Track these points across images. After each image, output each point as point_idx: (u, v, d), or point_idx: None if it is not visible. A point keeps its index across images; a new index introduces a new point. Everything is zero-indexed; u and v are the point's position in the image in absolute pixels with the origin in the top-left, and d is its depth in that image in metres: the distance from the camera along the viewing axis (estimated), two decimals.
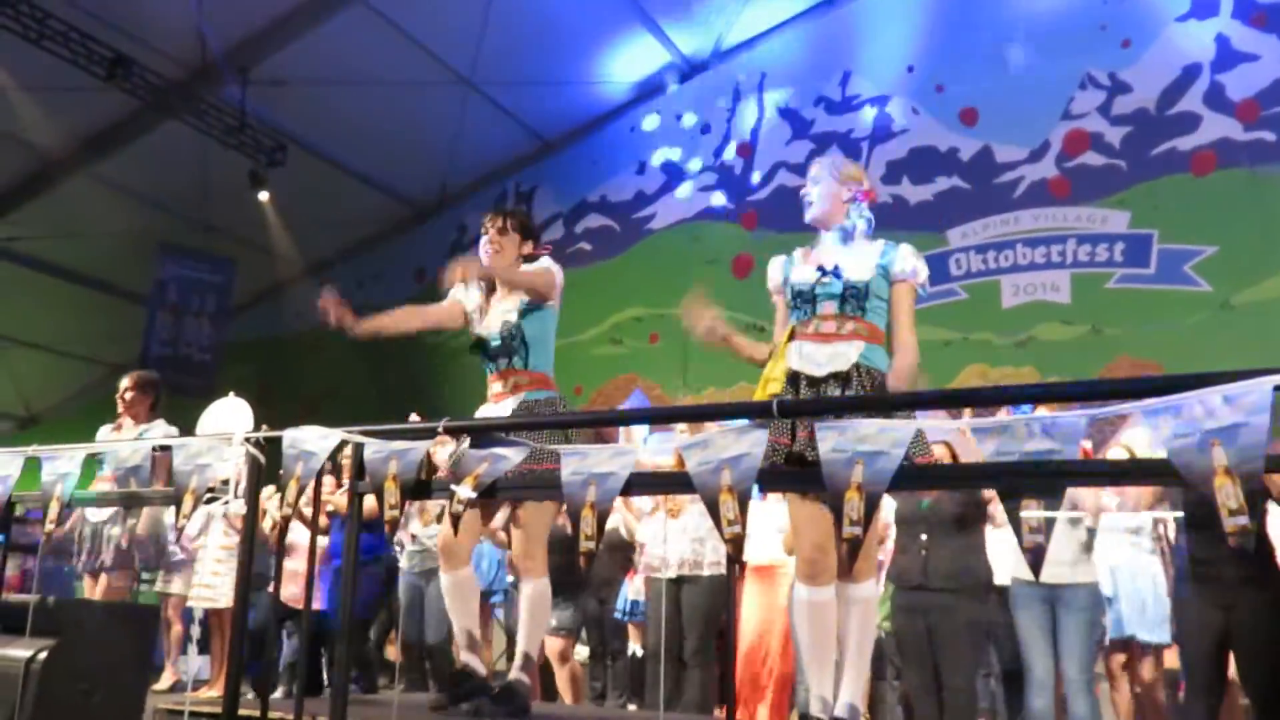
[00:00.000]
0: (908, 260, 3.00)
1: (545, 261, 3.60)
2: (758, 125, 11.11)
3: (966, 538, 4.08)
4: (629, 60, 11.24)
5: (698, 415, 2.78)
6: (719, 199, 10.99)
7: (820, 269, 2.89)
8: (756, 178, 10.94)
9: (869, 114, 10.64)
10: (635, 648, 6.12)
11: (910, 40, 10.61)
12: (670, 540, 5.02)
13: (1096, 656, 4.59)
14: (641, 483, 2.59)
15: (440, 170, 11.73)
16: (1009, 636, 4.70)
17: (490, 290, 3.60)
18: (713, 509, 2.37)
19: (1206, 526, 3.33)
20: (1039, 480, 2.10)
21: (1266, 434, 1.92)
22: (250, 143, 10.47)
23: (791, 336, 2.88)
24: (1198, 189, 9.16)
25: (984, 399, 2.43)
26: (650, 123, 11.60)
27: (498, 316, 3.49)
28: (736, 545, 2.33)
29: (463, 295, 3.63)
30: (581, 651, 6.40)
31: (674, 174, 11.36)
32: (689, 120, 11.44)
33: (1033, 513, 1.88)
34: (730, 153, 11.15)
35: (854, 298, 2.86)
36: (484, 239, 3.61)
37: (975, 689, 4.24)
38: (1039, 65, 9.86)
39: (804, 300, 2.93)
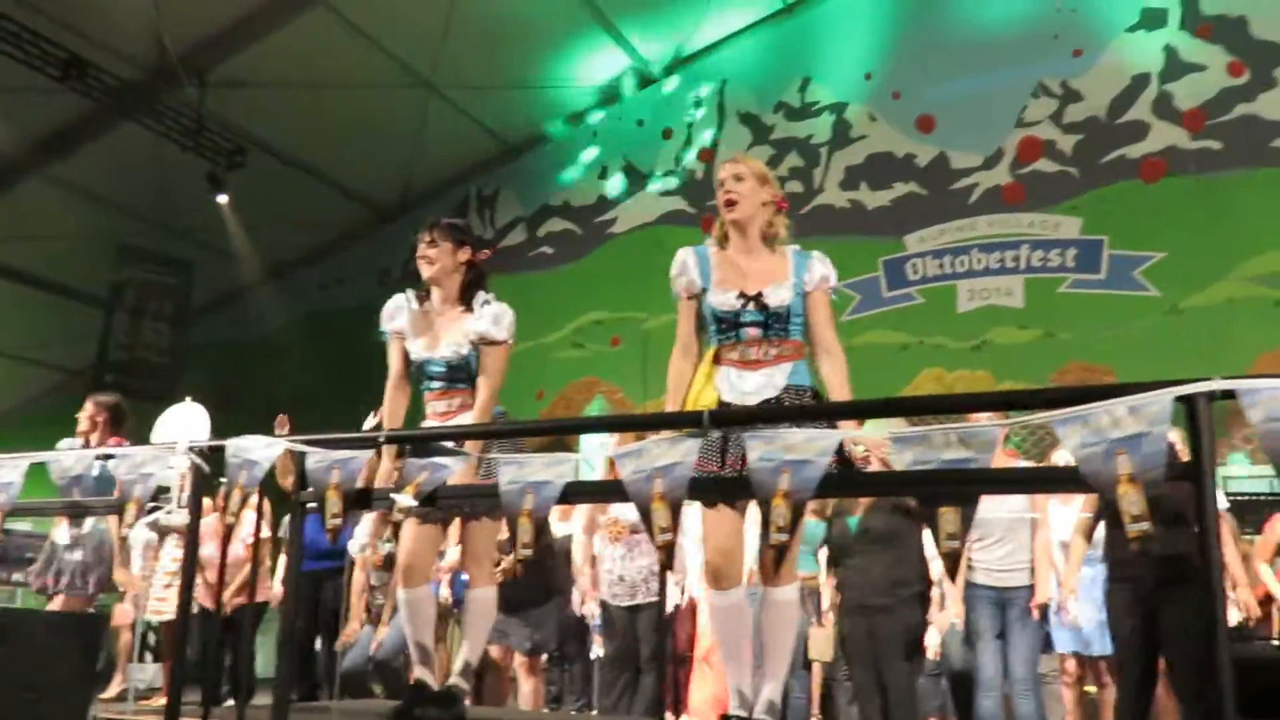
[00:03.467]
0: (818, 269, 3.04)
1: (498, 324, 3.40)
2: (719, 131, 11.19)
3: (898, 550, 4.17)
4: (591, 65, 11.29)
5: (626, 425, 2.82)
6: (680, 204, 11.06)
7: (742, 296, 2.91)
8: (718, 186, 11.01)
9: (828, 120, 10.75)
10: (597, 649, 6.16)
11: (869, 48, 10.73)
12: (626, 567, 5.07)
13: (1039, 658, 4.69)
14: (578, 491, 2.63)
15: (402, 173, 11.71)
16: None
17: (424, 297, 3.52)
18: (645, 516, 2.43)
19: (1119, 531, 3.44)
20: (955, 487, 2.17)
21: (1167, 443, 2.00)
22: (209, 145, 10.41)
23: (716, 359, 2.90)
24: (1147, 196, 9.35)
25: (905, 409, 2.50)
26: (613, 127, 11.65)
27: (447, 344, 3.40)
28: (667, 552, 2.39)
29: (399, 325, 3.49)
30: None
31: (636, 179, 11.43)
32: (651, 125, 11.50)
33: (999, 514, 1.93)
34: (692, 158, 11.23)
35: (778, 321, 2.89)
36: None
37: (915, 689, 4.34)
38: (994, 74, 10.02)
39: (727, 325, 2.95)
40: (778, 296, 2.91)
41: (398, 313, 3.51)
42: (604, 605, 5.28)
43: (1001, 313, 9.66)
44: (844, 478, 2.34)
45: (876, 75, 10.62)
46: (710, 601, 2.79)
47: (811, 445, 2.32)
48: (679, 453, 2.46)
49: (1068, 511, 4.70)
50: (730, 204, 3.05)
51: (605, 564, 5.27)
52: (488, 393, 3.31)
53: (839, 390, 2.85)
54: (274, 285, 12.23)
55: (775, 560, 2.44)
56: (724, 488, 2.61)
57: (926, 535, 4.49)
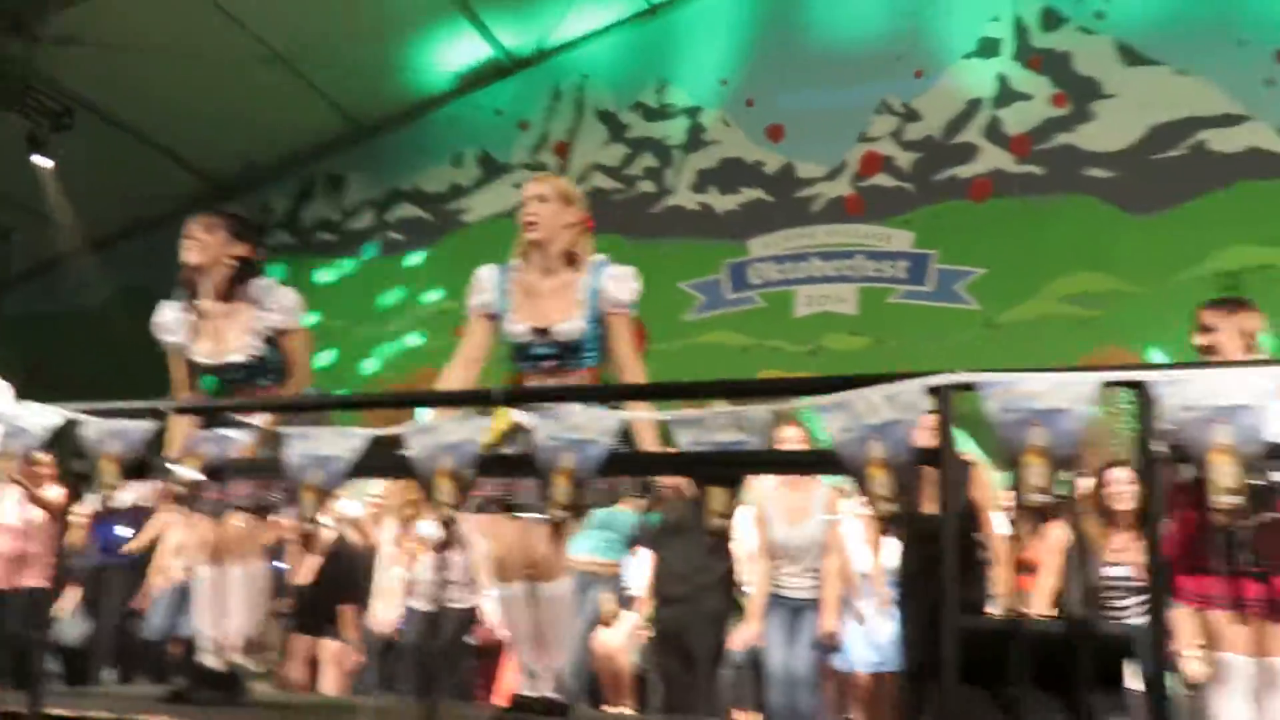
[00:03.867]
0: (612, 293, 3.04)
1: (288, 312, 3.25)
2: (575, 126, 11.22)
3: (697, 538, 4.30)
4: (452, 51, 11.14)
5: (416, 402, 2.82)
6: None
7: (534, 329, 2.95)
8: (572, 177, 11.04)
9: (683, 123, 10.93)
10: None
11: (726, 54, 10.96)
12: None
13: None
14: (369, 466, 2.62)
15: (244, 148, 11.27)
16: None
17: (191, 299, 3.30)
18: (429, 491, 2.44)
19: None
20: (726, 469, 2.26)
21: (914, 429, 2.14)
22: (34, 105, 9.77)
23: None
24: (973, 214, 9.88)
25: (687, 393, 2.59)
26: (468, 116, 11.53)
27: (234, 342, 3.22)
28: (449, 527, 2.40)
29: (176, 337, 3.30)
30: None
31: (490, 168, 11.34)
32: (509, 116, 11.43)
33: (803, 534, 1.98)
34: (547, 151, 11.22)
35: (570, 353, 2.93)
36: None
37: (717, 677, 4.48)
38: (842, 89, 10.39)
39: (521, 355, 2.98)
40: (568, 330, 2.95)
41: (173, 324, 3.32)
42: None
43: (836, 319, 10.03)
44: (624, 458, 2.40)
45: (732, 82, 10.86)
46: (498, 595, 2.82)
47: (596, 425, 2.37)
48: (468, 430, 2.48)
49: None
50: (530, 225, 3.06)
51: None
52: (302, 384, 3.23)
53: (638, 409, 2.83)
54: (96, 256, 11.58)
55: (553, 538, 2.49)
56: (514, 469, 2.64)
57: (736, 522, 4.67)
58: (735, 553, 4.66)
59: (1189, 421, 1.97)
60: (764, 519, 4.67)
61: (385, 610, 5.56)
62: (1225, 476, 1.92)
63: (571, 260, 3.08)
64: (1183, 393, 1.99)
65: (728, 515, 2.24)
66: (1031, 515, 5.48)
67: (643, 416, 2.51)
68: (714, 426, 2.28)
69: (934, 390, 2.15)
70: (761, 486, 4.93)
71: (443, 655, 5.12)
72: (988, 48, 10.16)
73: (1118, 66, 9.70)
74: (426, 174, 11.52)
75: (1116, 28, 9.75)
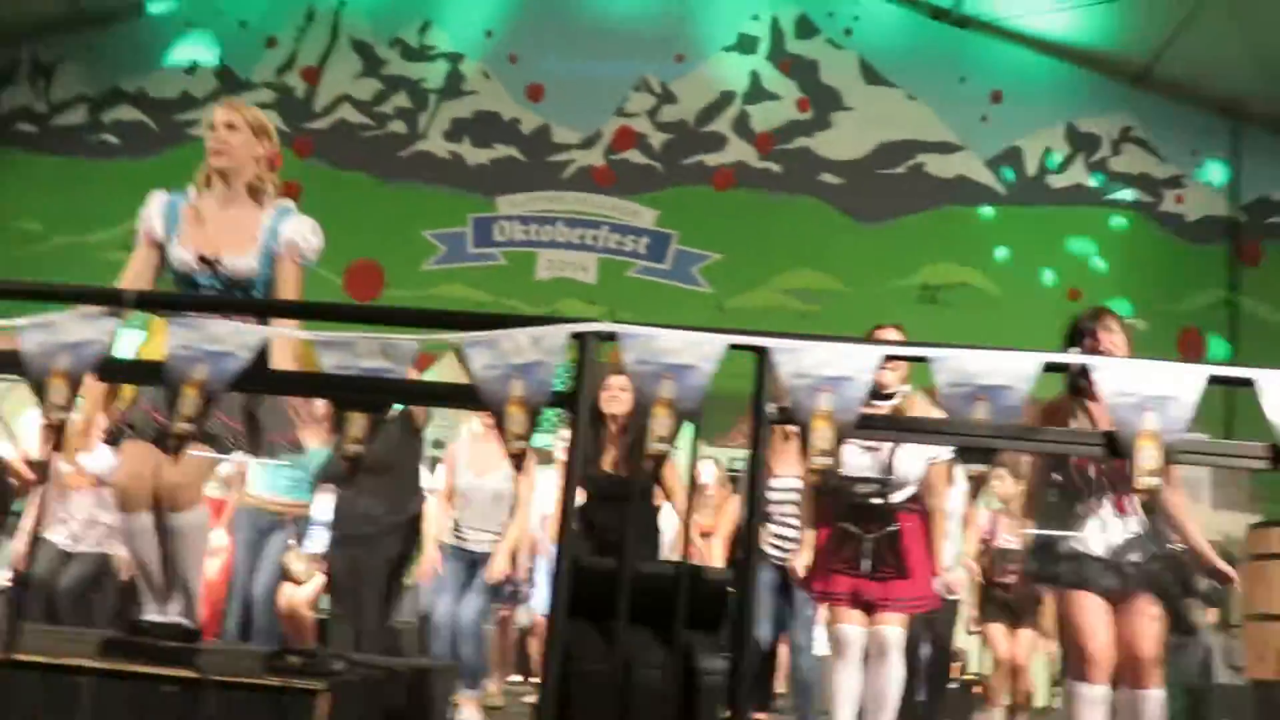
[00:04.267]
0: (288, 233, 2.86)
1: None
2: (328, 53, 10.66)
3: (391, 477, 4.23)
4: None
5: (36, 294, 2.58)
6: (274, 118, 10.36)
7: (201, 259, 2.76)
8: (319, 105, 10.50)
9: (442, 68, 10.64)
10: None
11: (494, 6, 10.76)
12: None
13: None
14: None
15: None
16: None
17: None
18: (41, 391, 2.23)
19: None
20: (370, 395, 2.21)
21: (553, 377, 2.17)
22: None
23: None
24: (716, 201, 10.28)
25: (332, 314, 2.51)
26: (212, 23, 10.68)
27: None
28: (55, 432, 2.21)
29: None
30: None
31: (229, 83, 10.55)
32: (255, 30, 10.68)
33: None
34: (294, 74, 10.60)
35: (238, 289, 2.75)
36: None
37: (390, 621, 4.44)
38: (605, 60, 10.47)
39: (186, 284, 2.79)
40: (237, 264, 2.77)
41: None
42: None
43: (575, 286, 10.14)
44: (259, 375, 2.29)
45: (497, 35, 10.68)
46: (120, 524, 2.65)
47: (235, 339, 2.25)
48: (92, 331, 2.28)
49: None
50: (217, 153, 2.85)
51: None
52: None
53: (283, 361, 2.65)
54: None
55: (183, 461, 2.36)
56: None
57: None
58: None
59: (799, 387, 2.13)
60: (452, 465, 4.65)
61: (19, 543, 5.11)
62: (821, 439, 2.08)
63: (254, 195, 2.89)
64: (797, 361, 2.14)
65: (360, 441, 2.18)
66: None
67: (288, 334, 2.40)
68: (361, 352, 2.22)
69: (577, 336, 2.19)
70: (462, 433, 4.90)
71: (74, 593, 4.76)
72: (746, 44, 10.57)
73: (858, 82, 10.37)
74: (154, 77, 10.57)
75: (861, 46, 10.42)
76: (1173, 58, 9.54)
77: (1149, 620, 3.17)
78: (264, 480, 4.96)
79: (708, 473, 6.34)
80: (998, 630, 5.37)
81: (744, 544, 2.16)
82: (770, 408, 2.15)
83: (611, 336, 2.20)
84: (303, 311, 2.58)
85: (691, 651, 2.23)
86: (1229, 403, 7.64)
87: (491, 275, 10.19)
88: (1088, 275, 9.80)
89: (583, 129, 10.43)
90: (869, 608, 3.40)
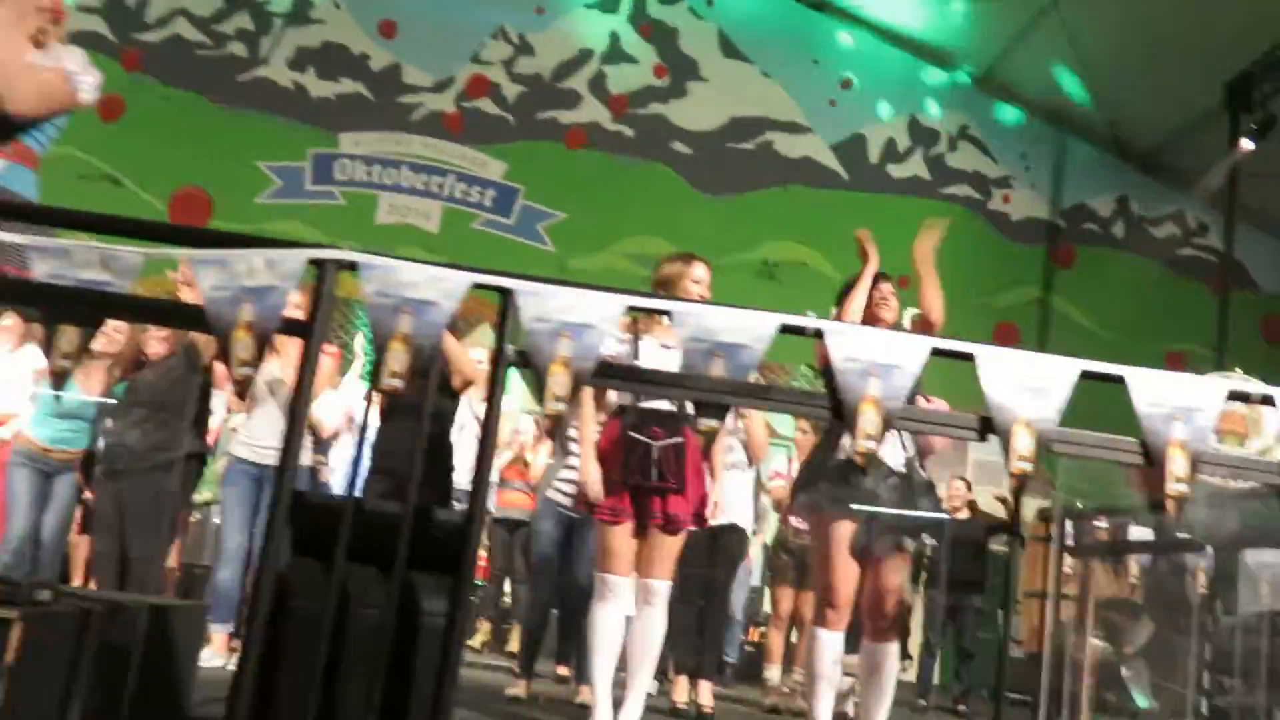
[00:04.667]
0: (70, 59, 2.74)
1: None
2: None
3: (164, 414, 4.03)
4: None
5: None
6: (99, 26, 9.69)
7: None
8: (151, 16, 9.86)
9: None
10: None
11: None
12: None
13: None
14: None
15: None
16: None
17: None
18: None
19: None
20: (85, 308, 2.07)
21: (286, 303, 2.08)
22: None
23: None
24: (566, 160, 10.20)
25: (52, 219, 2.34)
26: None
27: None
28: None
29: None
30: None
31: None
32: None
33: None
34: None
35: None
36: None
37: (160, 559, 4.25)
38: (462, 4, 10.19)
39: None
40: None
41: None
42: None
43: (415, 233, 9.90)
44: None
45: None
46: None
47: None
48: None
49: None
50: None
51: None
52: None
53: None
54: None
55: None
56: None
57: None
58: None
59: (540, 331, 2.10)
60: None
61: None
62: (557, 385, 2.07)
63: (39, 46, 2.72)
64: (541, 305, 2.12)
65: (74, 356, 2.04)
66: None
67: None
68: (78, 261, 2.08)
69: (316, 263, 2.10)
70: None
71: None
72: (608, 3, 10.48)
73: (715, 54, 10.44)
74: None
75: (722, 18, 10.48)
76: (1010, 64, 9.99)
77: (896, 576, 3.33)
78: (40, 428, 4.68)
79: (527, 425, 6.34)
80: (783, 590, 5.57)
81: (474, 485, 2.13)
82: (509, 350, 2.12)
83: (352, 266, 2.12)
84: (16, 213, 2.40)
85: (415, 593, 2.19)
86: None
87: (329, 215, 9.84)
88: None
89: (435, 72, 10.15)
90: (643, 530, 3.34)
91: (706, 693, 4.61)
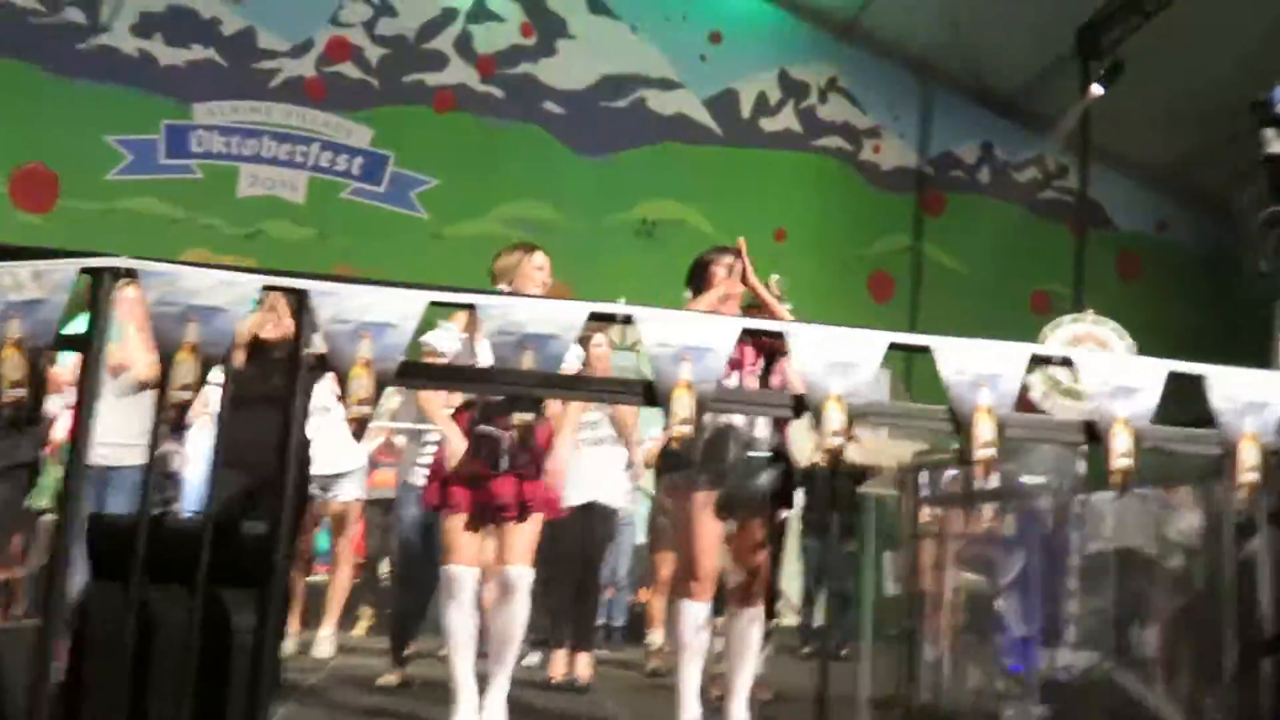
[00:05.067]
0: None
1: None
2: None
3: None
4: None
5: None
6: None
7: None
8: None
9: None
10: None
11: None
12: None
13: None
14: None
15: None
16: None
17: None
18: None
19: None
20: None
21: (59, 316, 1.96)
22: None
23: None
24: (435, 124, 9.94)
25: None
26: None
27: None
28: None
29: None
30: None
31: None
32: None
33: None
34: None
35: None
36: None
37: None
38: None
39: None
40: None
41: None
42: None
43: (281, 205, 9.56)
44: None
45: None
46: None
47: None
48: None
49: None
50: None
51: None
52: None
53: None
54: None
55: None
56: None
57: None
58: None
59: (339, 333, 2.03)
60: None
61: None
62: (360, 388, 2.00)
63: None
64: (338, 305, 2.04)
65: None
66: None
67: None
68: None
69: (91, 272, 1.98)
70: None
71: None
72: None
73: (583, 11, 10.25)
74: None
75: None
76: (875, 15, 10.08)
77: (756, 544, 3.37)
78: None
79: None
80: (663, 555, 5.62)
81: (280, 493, 2.05)
82: (307, 353, 2.04)
83: (131, 274, 2.00)
84: None
85: (225, 609, 2.12)
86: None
87: (187, 189, 9.40)
88: (792, 217, 10.27)
89: (292, 36, 9.73)
90: (496, 516, 3.29)
91: (584, 664, 4.64)
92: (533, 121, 10.14)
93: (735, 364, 3.14)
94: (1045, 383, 3.99)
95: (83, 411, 1.96)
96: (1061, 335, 4.47)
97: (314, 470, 4.62)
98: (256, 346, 3.83)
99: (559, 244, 9.65)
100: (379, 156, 9.83)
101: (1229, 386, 2.35)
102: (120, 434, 4.14)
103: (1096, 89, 8.52)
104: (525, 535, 3.37)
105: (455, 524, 3.30)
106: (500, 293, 2.87)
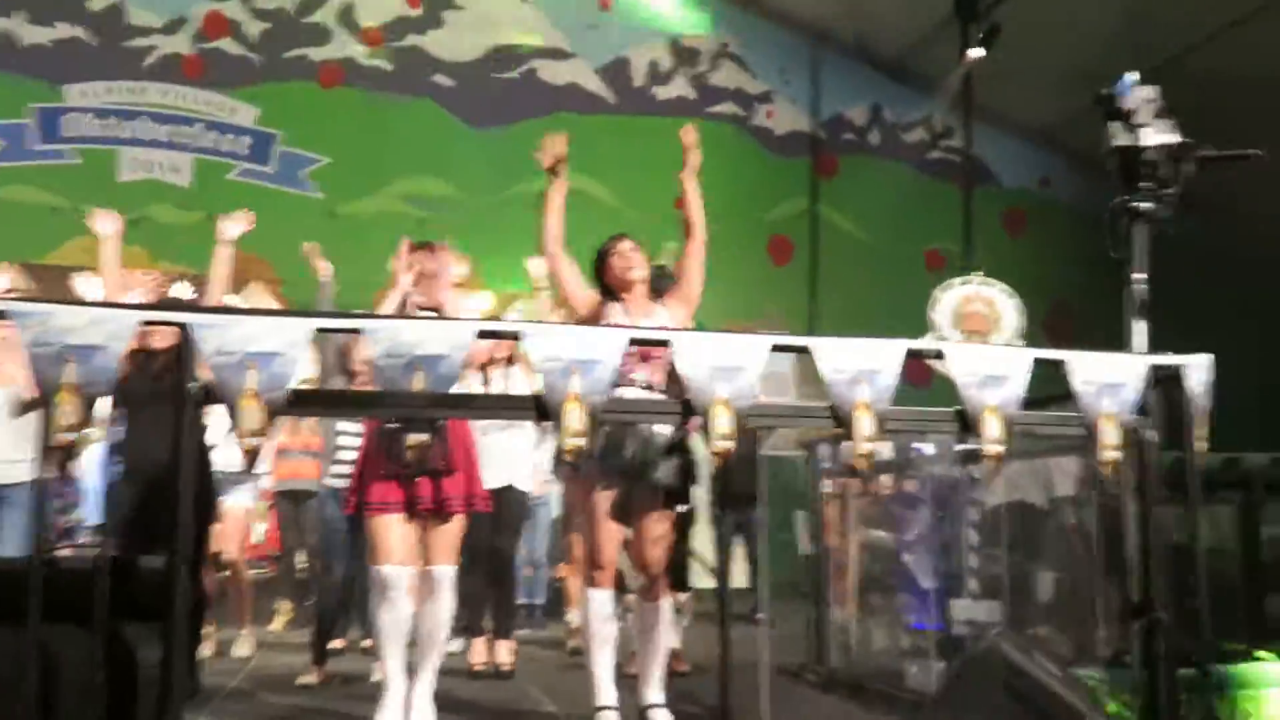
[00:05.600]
0: None
1: None
2: None
3: None
4: None
5: None
6: None
7: None
8: None
9: None
10: None
11: None
12: None
13: None
14: None
15: None
16: None
17: None
18: None
19: None
20: None
21: None
22: None
23: None
24: (322, 100, 9.68)
25: None
26: None
27: None
28: None
29: None
30: None
31: None
32: None
33: None
34: None
35: None
36: None
37: None
38: None
39: None
40: None
41: None
42: None
43: (165, 189, 9.24)
44: None
45: None
46: None
47: None
48: None
49: None
50: None
51: None
52: None
53: None
54: None
55: None
56: None
57: None
58: None
59: (224, 364, 2.02)
60: None
61: None
62: (249, 420, 2.00)
63: None
64: (221, 337, 2.02)
65: None
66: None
67: None
68: None
69: None
70: None
71: None
72: None
73: None
74: None
75: None
76: None
77: (657, 537, 3.45)
78: None
79: None
80: (577, 535, 5.68)
81: (179, 534, 2.04)
82: (193, 385, 2.03)
83: (1, 315, 1.95)
84: None
85: (128, 647, 2.11)
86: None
87: (64, 175, 9.01)
88: None
89: (164, 12, 9.36)
90: (419, 515, 3.30)
91: (505, 651, 4.70)
92: (423, 95, 9.96)
93: (645, 356, 3.21)
94: None
95: None
96: (951, 297, 4.64)
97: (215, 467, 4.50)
98: (146, 354, 3.75)
99: (457, 219, 9.68)
100: (266, 135, 9.56)
101: (1088, 370, 2.50)
102: (13, 451, 4.04)
103: (974, 52, 8.74)
104: (449, 534, 3.39)
105: (383, 523, 3.29)
106: (383, 316, 2.84)
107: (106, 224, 3.86)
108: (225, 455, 4.96)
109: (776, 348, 2.32)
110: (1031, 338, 3.12)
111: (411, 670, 3.39)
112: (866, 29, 10.42)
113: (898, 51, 10.56)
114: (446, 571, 3.39)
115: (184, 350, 2.04)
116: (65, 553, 4.41)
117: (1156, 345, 2.66)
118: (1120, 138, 2.66)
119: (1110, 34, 8.81)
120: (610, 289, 3.58)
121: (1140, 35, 8.63)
